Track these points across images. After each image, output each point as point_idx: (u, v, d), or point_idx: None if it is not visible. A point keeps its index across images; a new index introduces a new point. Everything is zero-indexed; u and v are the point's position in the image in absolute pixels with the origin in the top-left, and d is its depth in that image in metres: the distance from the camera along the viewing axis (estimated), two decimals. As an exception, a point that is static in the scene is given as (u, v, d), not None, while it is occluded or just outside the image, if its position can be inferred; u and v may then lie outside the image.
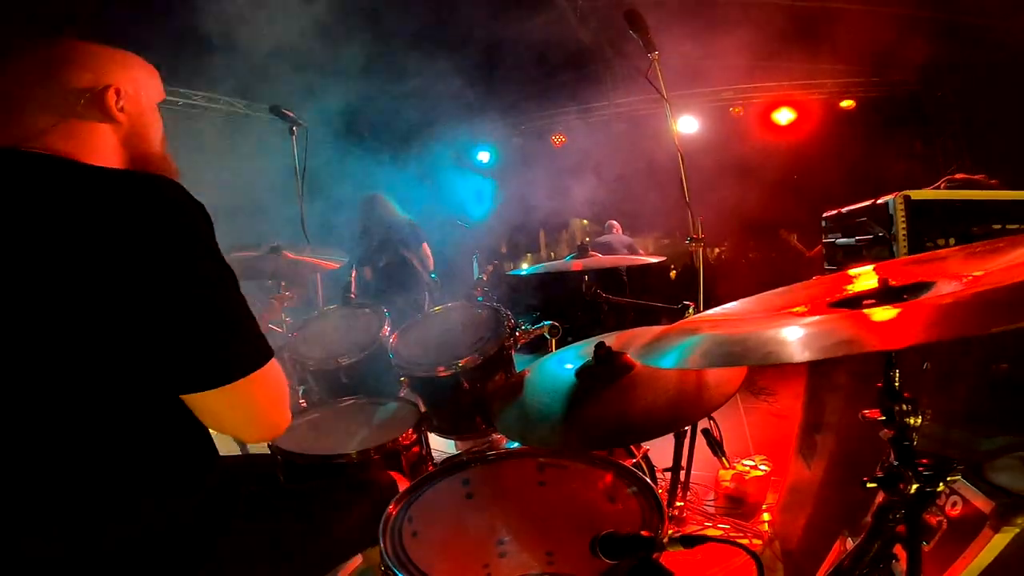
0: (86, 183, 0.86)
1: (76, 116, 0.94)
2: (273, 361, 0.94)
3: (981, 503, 1.15)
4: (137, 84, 1.03)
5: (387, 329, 2.12)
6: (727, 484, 2.54)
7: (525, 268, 2.72)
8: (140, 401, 0.88)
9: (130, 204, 0.83)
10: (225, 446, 1.20)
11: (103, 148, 0.97)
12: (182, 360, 0.85)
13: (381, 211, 4.46)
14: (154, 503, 0.92)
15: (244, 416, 0.92)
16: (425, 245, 4.53)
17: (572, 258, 2.52)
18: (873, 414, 0.87)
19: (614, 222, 6.29)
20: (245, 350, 0.90)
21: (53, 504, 0.85)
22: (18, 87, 0.94)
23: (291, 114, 3.19)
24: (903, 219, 1.96)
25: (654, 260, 2.66)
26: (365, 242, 4.42)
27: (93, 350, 0.82)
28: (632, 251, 6.00)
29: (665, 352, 0.95)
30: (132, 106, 1.01)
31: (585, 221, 7.16)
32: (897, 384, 0.85)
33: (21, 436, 0.83)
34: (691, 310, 2.19)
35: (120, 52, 1.04)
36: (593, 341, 1.51)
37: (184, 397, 0.88)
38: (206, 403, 0.89)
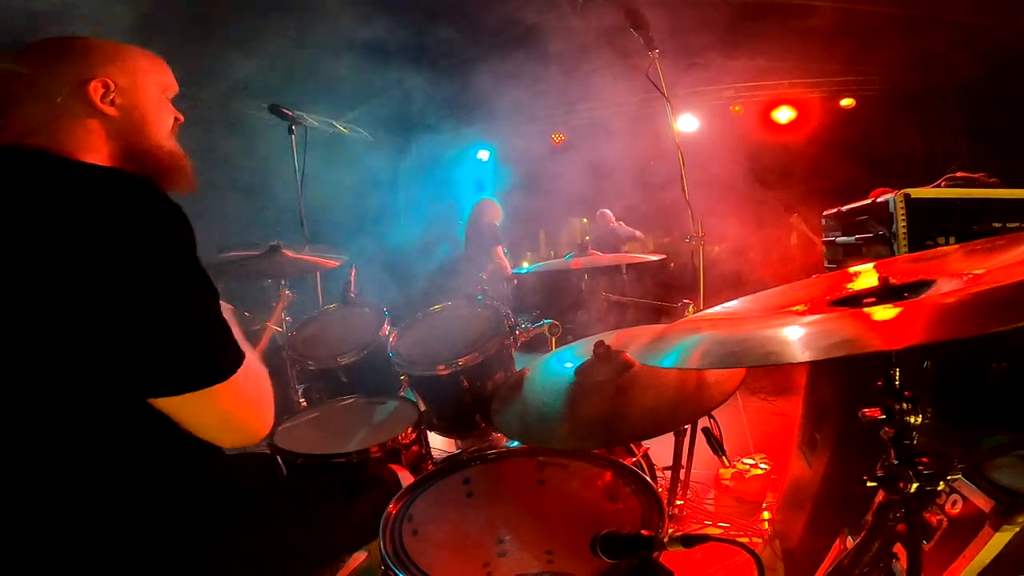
0: (59, 179, 0.84)
1: (60, 110, 0.94)
2: (249, 369, 0.92)
3: (981, 502, 1.15)
4: (135, 76, 1.01)
5: (387, 328, 2.12)
6: (727, 483, 2.54)
7: (525, 267, 2.71)
8: (133, 400, 0.87)
9: (99, 203, 0.81)
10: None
11: (89, 142, 0.96)
12: (148, 366, 0.83)
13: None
14: (154, 502, 0.92)
15: (216, 422, 0.91)
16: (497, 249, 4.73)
17: (572, 257, 2.52)
18: (873, 413, 0.87)
19: (607, 211, 6.26)
20: (213, 358, 0.88)
21: (50, 505, 0.85)
22: (8, 85, 0.94)
23: (290, 112, 3.19)
24: (903, 217, 1.96)
25: (654, 258, 2.65)
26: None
27: (68, 351, 0.81)
28: (631, 238, 6.03)
29: (665, 352, 0.95)
30: (126, 99, 0.99)
31: (585, 220, 7.15)
32: (897, 383, 0.85)
33: (10, 439, 0.83)
34: (691, 309, 2.19)
35: (115, 45, 1.02)
36: (593, 340, 1.51)
37: (153, 402, 0.86)
38: (175, 408, 0.87)
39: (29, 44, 0.97)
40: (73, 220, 0.79)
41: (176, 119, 1.10)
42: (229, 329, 0.92)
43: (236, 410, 0.92)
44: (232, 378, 0.89)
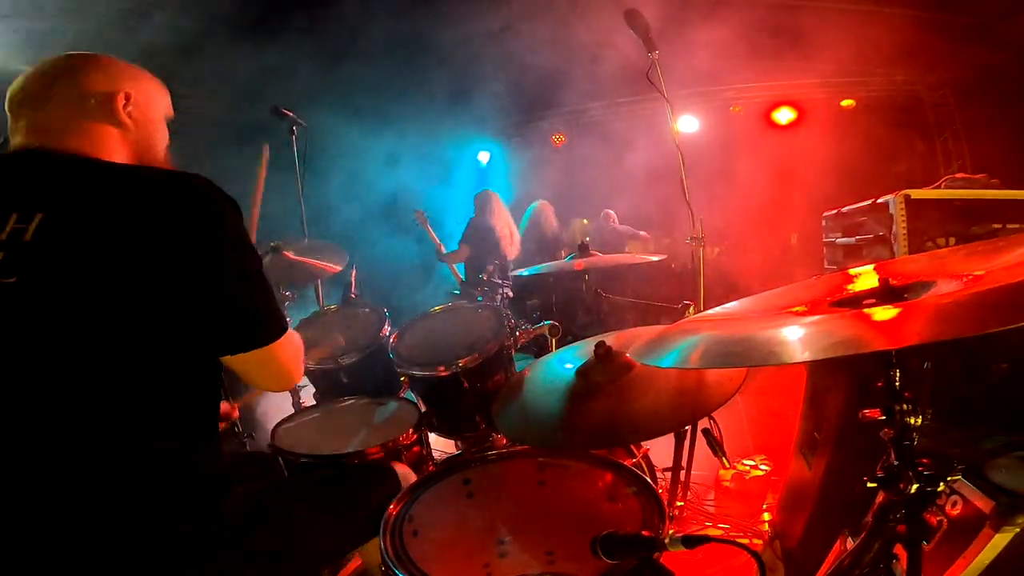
0: (125, 181, 0.97)
1: (87, 116, 1.04)
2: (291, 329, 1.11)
3: (981, 503, 1.15)
4: (148, 95, 1.14)
5: (387, 329, 2.12)
6: (727, 484, 2.53)
7: (526, 269, 2.70)
8: (140, 403, 0.91)
9: (168, 199, 0.94)
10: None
11: (113, 148, 1.06)
12: (229, 329, 0.99)
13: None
14: (153, 503, 0.92)
15: (271, 372, 1.09)
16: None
17: (573, 258, 2.52)
18: (873, 414, 0.87)
19: (610, 212, 6.27)
20: (274, 320, 1.05)
21: (48, 505, 0.85)
22: (45, 88, 1.04)
23: (291, 114, 3.19)
24: (904, 218, 1.96)
25: (655, 258, 2.65)
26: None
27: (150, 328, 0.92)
28: (634, 237, 6.04)
29: (665, 352, 0.95)
30: (140, 113, 1.11)
31: (586, 220, 7.15)
32: (897, 384, 0.85)
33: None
34: (691, 310, 2.19)
35: (134, 67, 1.15)
36: (593, 341, 1.51)
37: (226, 359, 1.02)
38: (244, 364, 1.04)
39: (58, 56, 1.09)
40: (152, 220, 0.91)
41: (167, 146, 1.22)
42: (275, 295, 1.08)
43: (287, 360, 1.10)
44: (288, 333, 1.08)
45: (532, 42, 4.60)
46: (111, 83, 1.07)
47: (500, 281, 3.87)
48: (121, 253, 0.89)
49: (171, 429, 0.97)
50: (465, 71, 4.93)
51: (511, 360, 1.94)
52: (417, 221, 4.98)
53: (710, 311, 1.21)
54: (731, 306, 1.17)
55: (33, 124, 1.02)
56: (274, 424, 1.75)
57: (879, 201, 2.10)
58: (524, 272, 2.69)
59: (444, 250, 4.93)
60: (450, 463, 1.38)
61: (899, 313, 0.75)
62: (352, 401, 1.93)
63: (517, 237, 4.88)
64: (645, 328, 1.68)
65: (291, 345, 1.11)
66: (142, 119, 1.11)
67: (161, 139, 1.17)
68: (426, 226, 4.96)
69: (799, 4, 4.53)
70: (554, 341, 2.00)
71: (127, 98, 1.08)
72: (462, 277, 4.96)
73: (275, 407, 2.43)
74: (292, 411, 2.12)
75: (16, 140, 1.01)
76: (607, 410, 1.36)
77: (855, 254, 2.49)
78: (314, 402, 2.13)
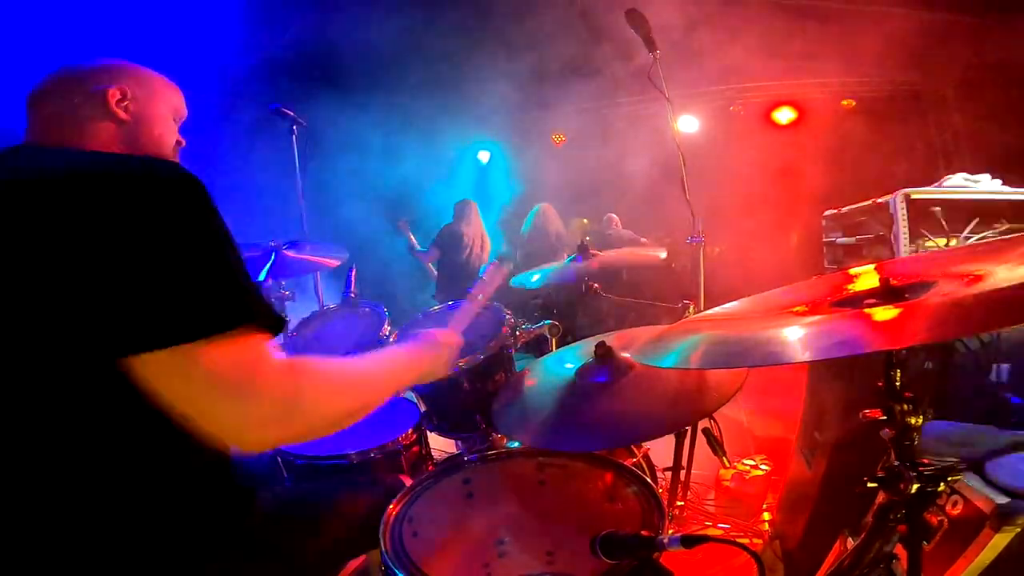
0: (67, 165, 0.85)
1: (78, 111, 1.04)
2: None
3: (982, 503, 1.15)
4: (150, 92, 1.13)
5: (387, 328, 2.12)
6: (727, 484, 2.53)
7: (530, 278, 2.61)
8: (127, 392, 0.79)
9: (104, 180, 0.79)
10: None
11: (102, 141, 1.05)
12: (128, 310, 0.72)
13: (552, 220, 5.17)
14: (150, 505, 0.91)
15: (214, 397, 0.75)
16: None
17: (573, 259, 2.52)
18: (874, 414, 0.87)
19: (613, 216, 6.29)
20: (231, 302, 0.76)
21: (45, 503, 0.84)
22: (46, 88, 1.06)
23: (291, 113, 3.19)
24: (904, 218, 1.96)
25: (660, 254, 2.64)
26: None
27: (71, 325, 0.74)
28: (634, 242, 6.04)
29: (665, 352, 0.95)
30: (139, 109, 1.10)
31: (585, 220, 7.15)
32: (898, 383, 0.85)
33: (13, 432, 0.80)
34: (691, 310, 2.19)
35: (137, 66, 1.15)
36: (593, 341, 1.51)
37: (140, 378, 0.74)
38: (155, 375, 0.73)
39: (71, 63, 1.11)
40: (61, 195, 0.77)
41: (178, 141, 1.20)
42: (252, 284, 0.82)
43: (258, 381, 0.77)
44: (256, 336, 0.78)
45: (532, 42, 4.60)
46: (106, 79, 1.08)
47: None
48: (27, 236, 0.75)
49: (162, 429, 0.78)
50: (465, 70, 4.93)
51: (511, 360, 1.93)
52: (400, 229, 5.31)
53: (710, 311, 1.21)
54: (731, 306, 1.17)
55: (33, 123, 1.04)
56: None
57: (879, 201, 2.09)
58: (529, 281, 2.64)
59: (417, 247, 5.25)
60: (450, 463, 1.38)
61: (900, 313, 0.75)
62: (352, 401, 1.92)
63: (488, 247, 5.16)
64: (645, 328, 1.68)
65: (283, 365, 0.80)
66: (140, 113, 1.10)
67: (165, 136, 1.16)
68: (407, 233, 5.27)
69: (799, 4, 4.53)
70: (554, 341, 2.00)
71: (123, 93, 1.08)
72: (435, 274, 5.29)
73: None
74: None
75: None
76: (607, 410, 1.36)
77: (855, 254, 2.48)
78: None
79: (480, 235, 5.11)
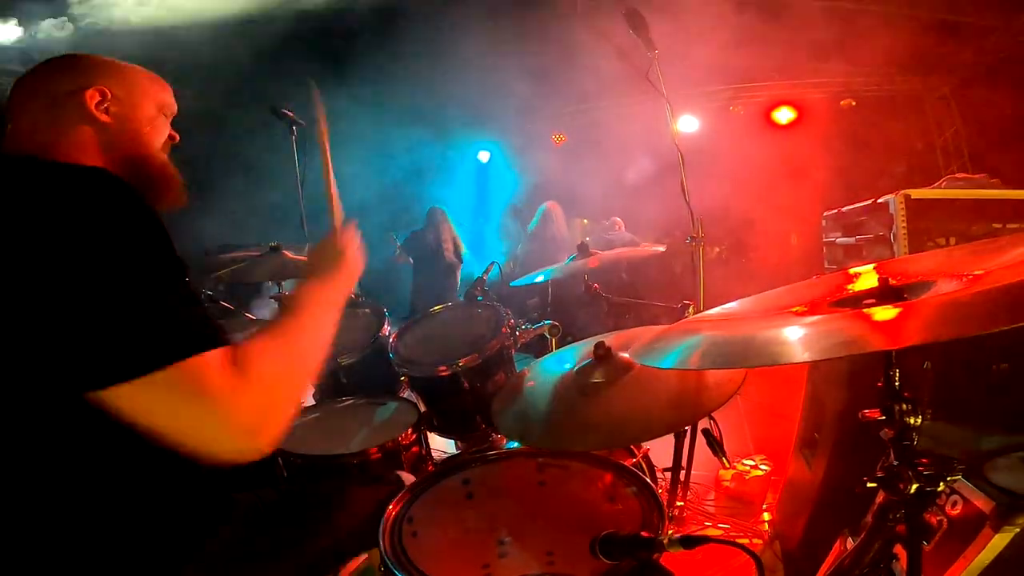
0: (13, 175, 0.83)
1: (55, 117, 0.98)
2: (252, 353, 0.81)
3: (981, 503, 1.15)
4: (133, 90, 1.05)
5: (387, 328, 2.12)
6: (727, 484, 2.54)
7: (532, 279, 2.65)
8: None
9: (44, 193, 0.78)
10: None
11: (82, 147, 0.98)
12: (86, 349, 0.72)
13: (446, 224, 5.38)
14: (150, 503, 0.91)
15: (191, 418, 0.75)
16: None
17: (573, 259, 2.52)
18: (873, 414, 0.87)
19: (617, 219, 6.29)
20: (162, 336, 0.74)
21: (41, 502, 0.84)
22: (21, 98, 1.00)
23: (290, 114, 3.18)
24: (904, 218, 1.96)
25: (658, 249, 2.63)
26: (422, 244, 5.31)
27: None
28: (632, 244, 6.05)
29: (665, 353, 0.95)
30: (123, 109, 1.03)
31: (585, 220, 7.14)
32: (897, 384, 0.85)
33: None
34: (691, 310, 2.19)
35: (118, 62, 1.07)
36: (593, 341, 1.51)
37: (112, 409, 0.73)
38: (131, 406, 0.73)
39: (48, 61, 1.04)
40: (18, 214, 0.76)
41: (171, 136, 1.13)
42: (194, 311, 0.80)
43: (210, 401, 0.75)
44: (200, 358, 0.75)
45: (533, 41, 4.60)
46: (81, 80, 1.00)
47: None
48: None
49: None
50: (466, 70, 4.93)
51: (511, 360, 1.94)
52: (388, 240, 5.58)
53: (710, 311, 1.21)
54: (731, 306, 1.17)
55: (10, 132, 0.98)
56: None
57: (879, 201, 2.09)
58: (521, 281, 2.66)
59: (398, 250, 5.54)
60: (450, 463, 1.38)
61: (899, 313, 0.75)
62: (351, 401, 1.93)
63: (460, 250, 5.46)
64: (645, 328, 1.68)
65: (216, 373, 0.76)
66: (123, 113, 1.03)
67: (154, 134, 1.08)
68: (396, 244, 5.56)
69: (800, 4, 4.53)
70: (554, 341, 2.00)
71: (102, 94, 1.01)
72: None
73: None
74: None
75: None
76: (607, 410, 1.36)
77: (855, 254, 2.49)
78: (313, 402, 2.13)
79: (450, 239, 5.40)
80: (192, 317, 0.79)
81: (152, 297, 0.76)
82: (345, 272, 1.10)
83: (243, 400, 0.77)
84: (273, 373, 0.83)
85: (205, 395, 0.75)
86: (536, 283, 2.59)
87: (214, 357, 0.77)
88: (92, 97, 1.00)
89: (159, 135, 1.10)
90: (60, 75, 1.01)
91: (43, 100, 0.98)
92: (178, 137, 1.15)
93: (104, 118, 1.01)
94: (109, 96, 1.01)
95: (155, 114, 1.09)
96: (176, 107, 1.14)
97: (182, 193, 1.12)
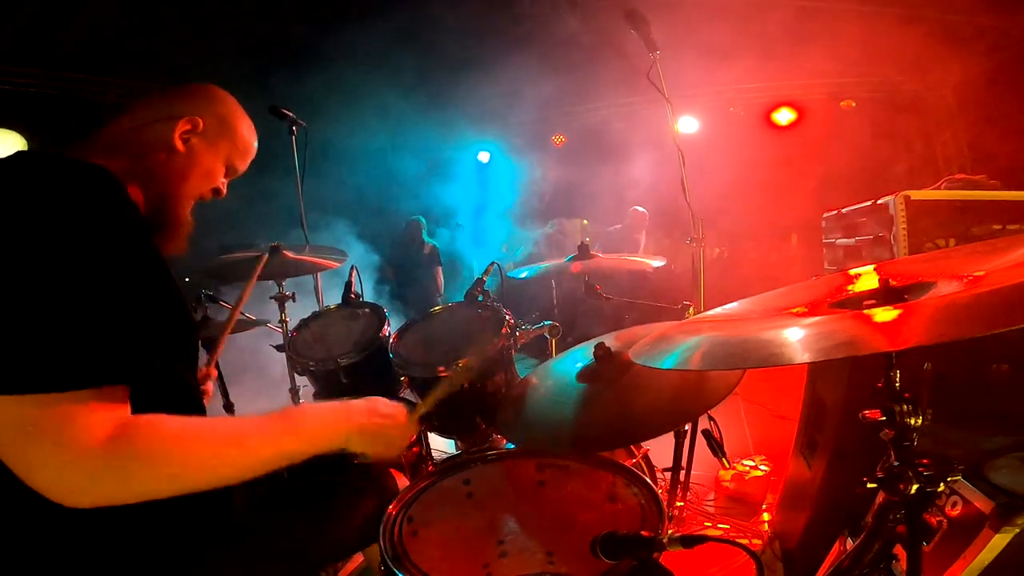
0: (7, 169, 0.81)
1: (143, 130, 0.99)
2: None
3: (981, 503, 1.15)
4: (222, 134, 1.07)
5: (387, 329, 2.12)
6: (727, 484, 2.54)
7: (525, 270, 2.70)
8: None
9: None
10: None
11: (136, 160, 0.97)
12: None
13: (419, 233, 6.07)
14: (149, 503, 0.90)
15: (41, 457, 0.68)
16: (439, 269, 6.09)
17: (572, 259, 2.51)
18: (873, 414, 0.87)
19: (639, 208, 6.09)
20: (30, 360, 0.66)
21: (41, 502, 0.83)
22: (132, 105, 1.03)
23: (290, 114, 3.18)
24: (904, 219, 1.96)
25: (656, 263, 2.62)
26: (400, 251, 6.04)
27: None
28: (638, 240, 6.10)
29: (665, 353, 0.95)
30: (199, 145, 1.04)
31: (585, 221, 7.15)
32: (897, 384, 0.85)
33: None
34: (691, 311, 2.19)
35: (234, 105, 1.10)
36: (593, 342, 1.51)
37: None
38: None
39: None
40: None
41: (217, 191, 1.12)
42: (119, 337, 0.72)
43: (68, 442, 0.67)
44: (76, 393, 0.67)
45: (533, 41, 4.60)
46: (189, 109, 1.02)
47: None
48: None
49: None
50: (466, 71, 4.94)
51: (511, 360, 1.94)
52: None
53: (710, 312, 1.21)
54: (731, 307, 1.17)
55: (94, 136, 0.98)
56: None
57: (879, 202, 2.10)
58: (519, 273, 2.68)
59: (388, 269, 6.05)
60: (450, 463, 1.38)
61: (899, 314, 0.75)
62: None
63: (435, 257, 6.20)
64: (645, 328, 1.68)
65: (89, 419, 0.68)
66: (195, 153, 1.03)
67: (198, 176, 1.05)
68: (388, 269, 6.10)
69: (800, 4, 4.53)
70: (554, 341, 2.00)
71: (193, 125, 1.01)
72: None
73: (272, 405, 2.42)
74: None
75: None
76: (607, 411, 1.36)
77: (855, 255, 2.49)
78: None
79: (427, 250, 6.14)
80: (104, 344, 0.70)
81: (58, 311, 0.68)
82: (341, 441, 1.06)
83: (96, 463, 0.69)
84: (166, 456, 0.74)
85: (56, 442, 0.67)
86: (524, 277, 2.63)
87: (99, 397, 0.69)
88: (182, 126, 1.01)
89: (205, 182, 1.09)
90: (179, 98, 1.03)
91: (146, 114, 1.00)
92: (224, 194, 1.13)
93: (180, 147, 1.01)
94: (199, 129, 1.02)
95: (219, 167, 1.10)
96: (243, 171, 1.14)
97: (183, 243, 1.09)
